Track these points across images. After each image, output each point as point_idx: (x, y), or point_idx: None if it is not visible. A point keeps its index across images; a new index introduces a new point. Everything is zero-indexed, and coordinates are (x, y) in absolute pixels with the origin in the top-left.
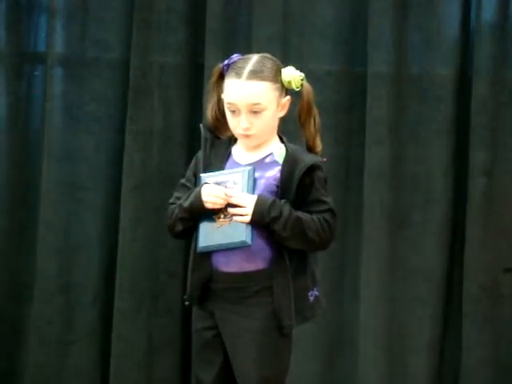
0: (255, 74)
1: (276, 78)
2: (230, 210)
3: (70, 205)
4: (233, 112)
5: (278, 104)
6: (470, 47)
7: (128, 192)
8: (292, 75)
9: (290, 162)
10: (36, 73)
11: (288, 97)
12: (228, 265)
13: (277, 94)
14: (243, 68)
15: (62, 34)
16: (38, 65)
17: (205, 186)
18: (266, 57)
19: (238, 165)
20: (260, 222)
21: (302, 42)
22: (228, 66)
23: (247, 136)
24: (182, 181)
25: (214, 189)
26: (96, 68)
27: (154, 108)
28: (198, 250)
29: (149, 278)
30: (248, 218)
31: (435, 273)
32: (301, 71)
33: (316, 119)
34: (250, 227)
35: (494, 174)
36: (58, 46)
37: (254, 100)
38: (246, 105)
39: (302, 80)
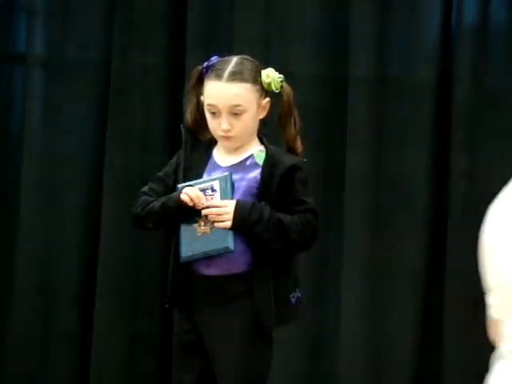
0: (236, 76)
1: (256, 79)
2: (211, 217)
3: (50, 206)
4: (213, 114)
5: (259, 106)
6: (451, 50)
7: (109, 194)
8: (272, 77)
9: (270, 164)
10: (15, 74)
11: (267, 98)
12: (209, 267)
13: (257, 95)
14: (223, 70)
15: (42, 35)
16: (18, 65)
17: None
18: (245, 58)
19: (218, 167)
20: (241, 226)
21: (284, 43)
22: (207, 68)
23: (228, 138)
24: (160, 174)
25: (192, 189)
26: (76, 69)
27: (135, 110)
28: (182, 260)
29: (129, 280)
30: (229, 224)
31: (416, 274)
32: (282, 73)
33: (296, 121)
34: (231, 232)
35: (475, 176)
36: (38, 47)
37: (234, 102)
38: (227, 106)
39: (281, 82)
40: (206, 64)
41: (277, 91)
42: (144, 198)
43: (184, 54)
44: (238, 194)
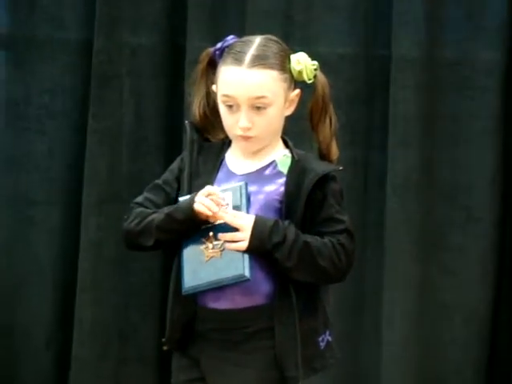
0: (259, 61)
1: (284, 66)
2: (222, 236)
3: (17, 223)
4: (229, 107)
5: (286, 99)
6: None
7: (90, 207)
8: (304, 63)
9: (297, 173)
10: None
11: (297, 90)
12: (218, 300)
13: (285, 85)
14: (243, 53)
15: (4, 8)
16: None
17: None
18: (270, 39)
19: (232, 175)
20: (259, 249)
21: (309, 18)
22: (222, 50)
23: (247, 138)
24: (158, 181)
25: (212, 189)
26: (49, 51)
27: (124, 101)
28: (185, 291)
29: (116, 316)
30: (245, 245)
31: (477, 311)
32: (308, 56)
33: (332, 119)
34: (247, 256)
35: None
36: (1, 24)
37: (257, 93)
38: (248, 98)
39: (315, 70)
40: (220, 45)
41: (309, 82)
42: (139, 210)
43: (184, 32)
44: (255, 210)
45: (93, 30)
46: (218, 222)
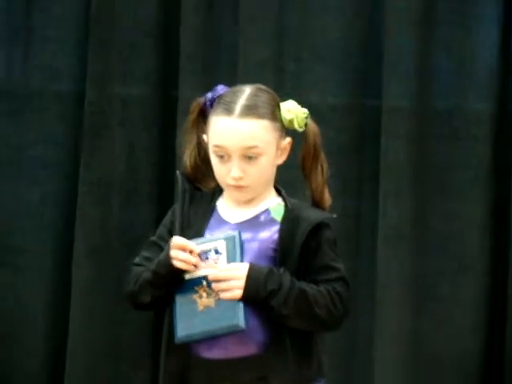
0: (250, 111)
1: (275, 115)
2: (216, 286)
3: (4, 274)
4: (221, 157)
5: (278, 147)
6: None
7: (81, 257)
8: (294, 112)
9: (290, 220)
10: None
11: (289, 139)
12: (211, 350)
13: (276, 134)
14: (234, 103)
15: None
16: None
17: (173, 239)
18: (260, 89)
19: (224, 223)
20: (254, 297)
21: (300, 68)
22: (212, 100)
23: (239, 187)
24: (153, 238)
25: (180, 240)
26: (41, 101)
27: (115, 151)
28: (178, 340)
29: (107, 368)
30: (239, 294)
31: (471, 364)
32: (299, 105)
33: (324, 167)
34: (241, 306)
35: None
36: None
37: (249, 142)
38: (239, 148)
39: (306, 118)
40: (210, 95)
41: (300, 130)
42: (136, 270)
43: (176, 83)
44: (249, 258)
45: (85, 81)
46: (207, 271)
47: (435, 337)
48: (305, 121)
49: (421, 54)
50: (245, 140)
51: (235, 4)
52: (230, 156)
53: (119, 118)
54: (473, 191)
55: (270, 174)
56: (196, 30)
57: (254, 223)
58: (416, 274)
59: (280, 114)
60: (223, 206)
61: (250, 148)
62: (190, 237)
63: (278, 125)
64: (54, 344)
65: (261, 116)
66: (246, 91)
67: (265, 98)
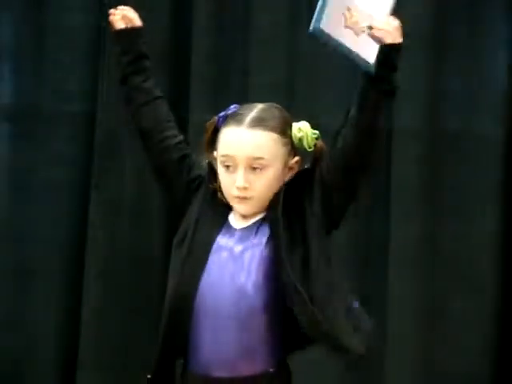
0: (260, 122)
1: (285, 131)
2: (377, 22)
3: (17, 295)
4: (227, 168)
5: (285, 164)
6: None
7: (91, 279)
8: (305, 131)
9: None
10: None
11: (297, 157)
12: (219, 367)
13: (284, 150)
14: (245, 115)
15: (10, 81)
16: None
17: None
18: (273, 105)
19: (232, 229)
20: (393, 54)
21: (312, 91)
22: (225, 117)
23: (243, 199)
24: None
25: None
26: (53, 123)
27: (126, 173)
28: (313, 27)
29: None
30: (389, 38)
31: (479, 380)
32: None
33: None
34: (376, 49)
35: None
36: (6, 96)
37: (256, 153)
38: (246, 158)
39: (316, 139)
40: (223, 113)
41: (309, 150)
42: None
43: (187, 106)
44: (254, 269)
45: (95, 102)
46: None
47: (445, 357)
48: (314, 141)
49: (432, 77)
50: (252, 150)
51: (246, 27)
52: (236, 166)
53: (130, 140)
54: (483, 213)
55: (276, 189)
56: (207, 53)
57: (256, 228)
58: (426, 295)
59: (290, 131)
60: (233, 216)
61: (256, 159)
62: (199, 238)
63: (287, 141)
64: (63, 372)
65: (270, 129)
66: (259, 106)
67: (276, 113)
